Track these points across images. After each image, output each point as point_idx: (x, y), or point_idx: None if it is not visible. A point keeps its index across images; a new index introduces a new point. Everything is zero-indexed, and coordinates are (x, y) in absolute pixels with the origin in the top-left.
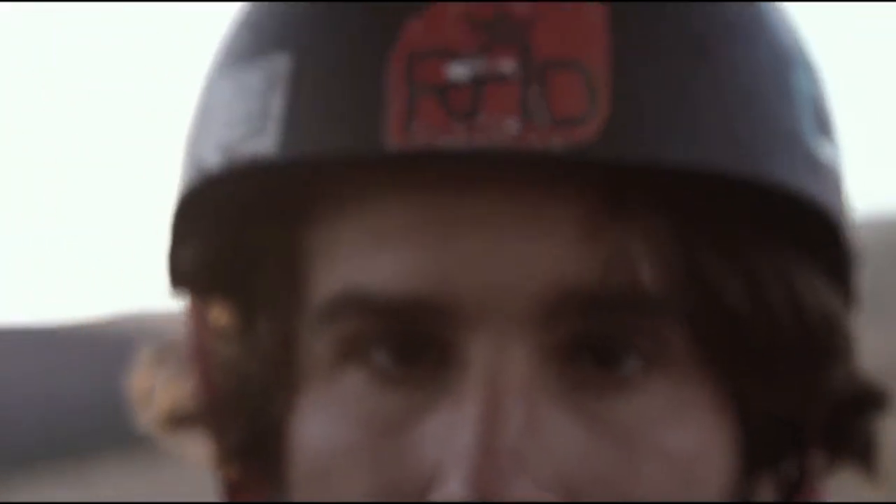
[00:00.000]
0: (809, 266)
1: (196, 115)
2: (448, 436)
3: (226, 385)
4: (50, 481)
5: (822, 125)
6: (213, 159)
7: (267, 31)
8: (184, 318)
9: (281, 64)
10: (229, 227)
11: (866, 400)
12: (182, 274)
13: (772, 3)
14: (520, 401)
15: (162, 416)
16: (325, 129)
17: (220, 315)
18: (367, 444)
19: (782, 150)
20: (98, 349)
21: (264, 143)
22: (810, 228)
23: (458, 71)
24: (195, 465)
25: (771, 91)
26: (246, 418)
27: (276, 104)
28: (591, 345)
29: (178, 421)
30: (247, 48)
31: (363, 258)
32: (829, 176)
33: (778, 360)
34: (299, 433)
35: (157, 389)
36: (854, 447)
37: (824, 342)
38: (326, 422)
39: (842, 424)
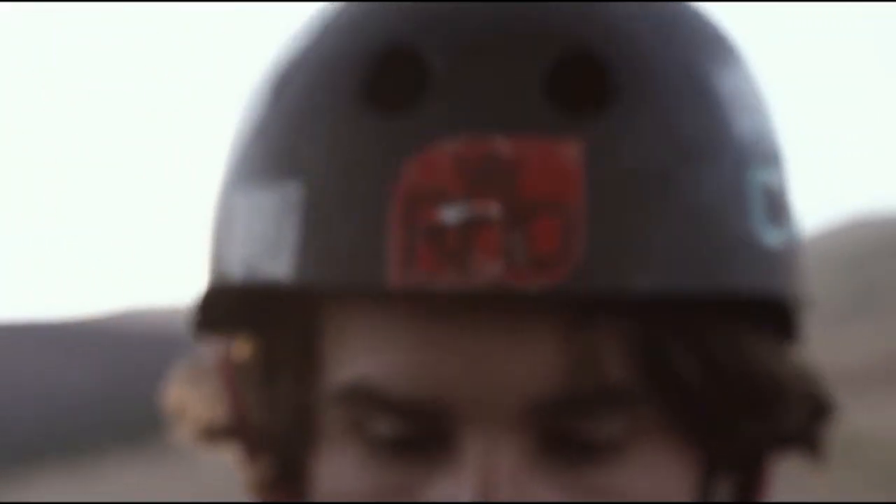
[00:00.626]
0: (760, 336)
1: (218, 224)
2: None
3: (253, 422)
4: (53, 476)
5: (774, 213)
6: (236, 272)
7: (280, 157)
8: (210, 351)
9: (293, 192)
10: (251, 315)
11: (816, 412)
12: (207, 329)
13: (735, 91)
14: (509, 484)
15: (196, 431)
16: (334, 262)
17: (244, 357)
18: (376, 501)
19: (736, 257)
20: (99, 344)
21: (281, 268)
22: (761, 307)
23: (450, 214)
24: (197, 460)
25: (727, 203)
26: (272, 454)
27: (290, 231)
28: (568, 435)
29: (212, 437)
30: (261, 169)
31: (369, 356)
32: (778, 261)
33: (734, 417)
34: (318, 478)
35: (190, 406)
36: (805, 448)
37: (773, 397)
38: (340, 477)
39: (794, 434)
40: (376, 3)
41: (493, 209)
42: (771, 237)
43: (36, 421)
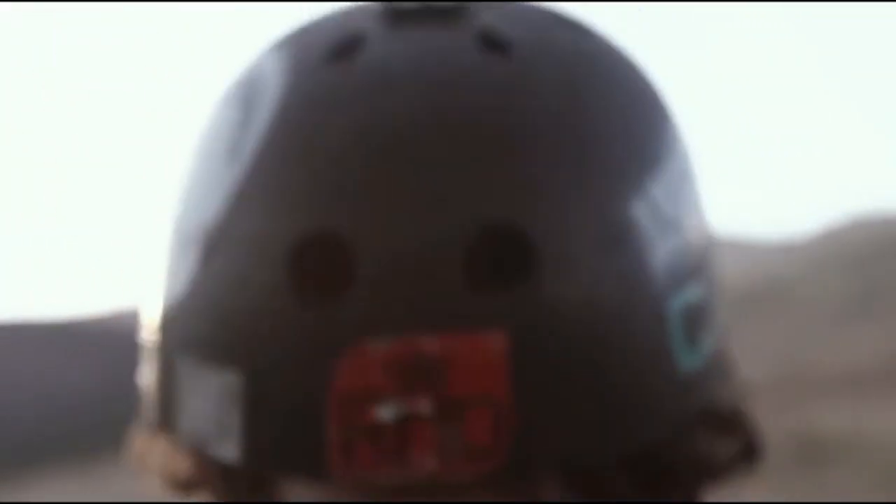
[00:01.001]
0: (688, 437)
1: (161, 382)
2: None
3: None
4: (53, 477)
5: (695, 331)
6: (185, 441)
7: (216, 341)
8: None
9: (233, 381)
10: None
11: (746, 454)
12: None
13: (656, 209)
14: None
15: (161, 481)
16: (277, 453)
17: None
18: None
19: (660, 402)
20: (99, 344)
21: (228, 453)
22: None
23: (384, 412)
24: None
25: (649, 350)
26: None
27: (234, 419)
28: None
29: (177, 488)
30: (200, 349)
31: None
32: (700, 382)
33: (668, 495)
34: None
35: (152, 459)
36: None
37: (707, 474)
38: None
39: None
40: (297, 174)
41: (425, 406)
42: (692, 361)
43: (36, 421)
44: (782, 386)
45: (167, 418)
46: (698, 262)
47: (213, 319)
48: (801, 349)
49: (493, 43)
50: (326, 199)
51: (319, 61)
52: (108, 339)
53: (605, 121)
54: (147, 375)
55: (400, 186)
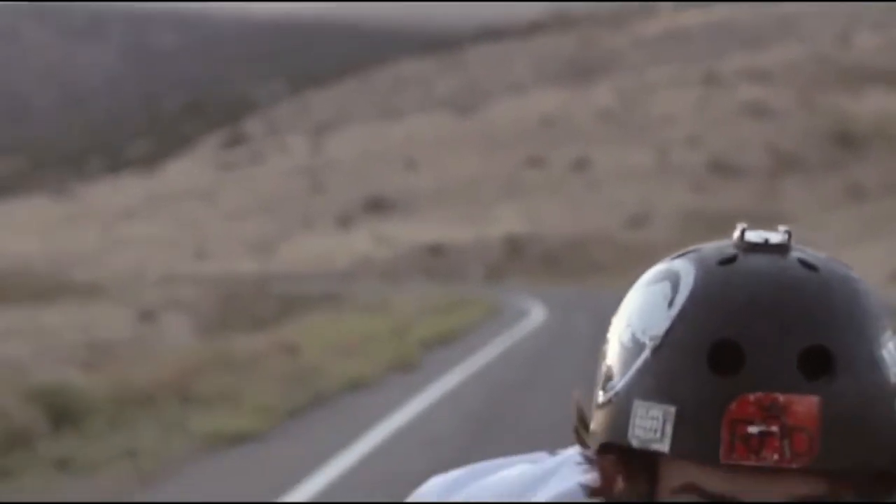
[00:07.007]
0: None
1: (620, 417)
2: None
3: None
4: (100, 177)
5: None
6: (635, 443)
7: (661, 393)
8: None
9: (671, 410)
10: None
11: None
12: None
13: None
14: None
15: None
16: (691, 449)
17: None
18: None
19: (891, 440)
20: (118, 23)
21: (663, 446)
22: None
23: (753, 430)
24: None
25: (887, 415)
26: None
27: (668, 430)
28: None
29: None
30: (652, 396)
31: None
32: None
33: None
34: None
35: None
36: None
37: None
38: None
39: None
40: (711, 310)
41: (775, 428)
42: None
43: (67, 110)
44: (820, 69)
45: (617, 433)
46: None
47: (659, 384)
48: (841, 32)
49: (808, 265)
50: (726, 322)
51: (714, 264)
52: (127, 18)
53: (865, 307)
54: (601, 419)
55: (766, 317)
